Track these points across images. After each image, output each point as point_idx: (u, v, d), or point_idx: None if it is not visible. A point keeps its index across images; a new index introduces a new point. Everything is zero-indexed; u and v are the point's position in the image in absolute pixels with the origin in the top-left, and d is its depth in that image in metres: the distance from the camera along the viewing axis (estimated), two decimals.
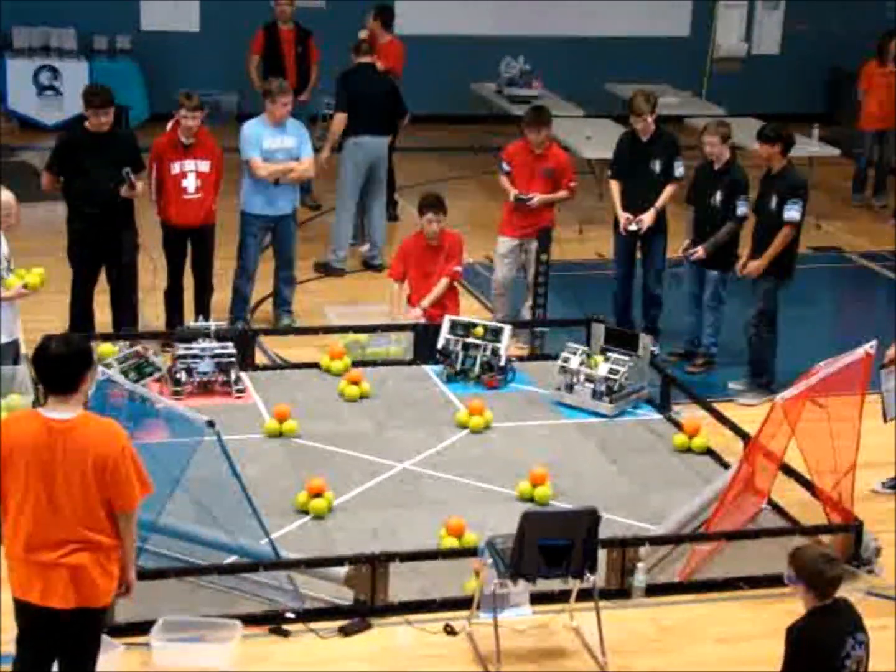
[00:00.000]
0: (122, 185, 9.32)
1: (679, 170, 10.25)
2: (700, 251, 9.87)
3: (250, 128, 10.31)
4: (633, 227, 10.25)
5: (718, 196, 9.85)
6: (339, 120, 11.66)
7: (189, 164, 9.79)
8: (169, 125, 10.00)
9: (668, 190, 10.29)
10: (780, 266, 9.42)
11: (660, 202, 10.26)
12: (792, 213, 9.28)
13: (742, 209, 9.70)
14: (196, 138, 9.77)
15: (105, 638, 6.17)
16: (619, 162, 10.56)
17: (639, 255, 10.57)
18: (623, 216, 10.30)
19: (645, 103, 10.16)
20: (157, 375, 8.84)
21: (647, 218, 10.24)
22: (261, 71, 13.29)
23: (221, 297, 10.38)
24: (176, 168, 9.77)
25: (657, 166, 10.27)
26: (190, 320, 9.82)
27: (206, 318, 9.69)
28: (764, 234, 9.45)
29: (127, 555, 5.38)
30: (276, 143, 10.19)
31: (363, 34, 13.28)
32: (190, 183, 9.79)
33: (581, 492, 7.89)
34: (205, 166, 9.82)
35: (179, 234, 9.94)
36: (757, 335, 9.55)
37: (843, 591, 5.41)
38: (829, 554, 5.44)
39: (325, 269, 11.73)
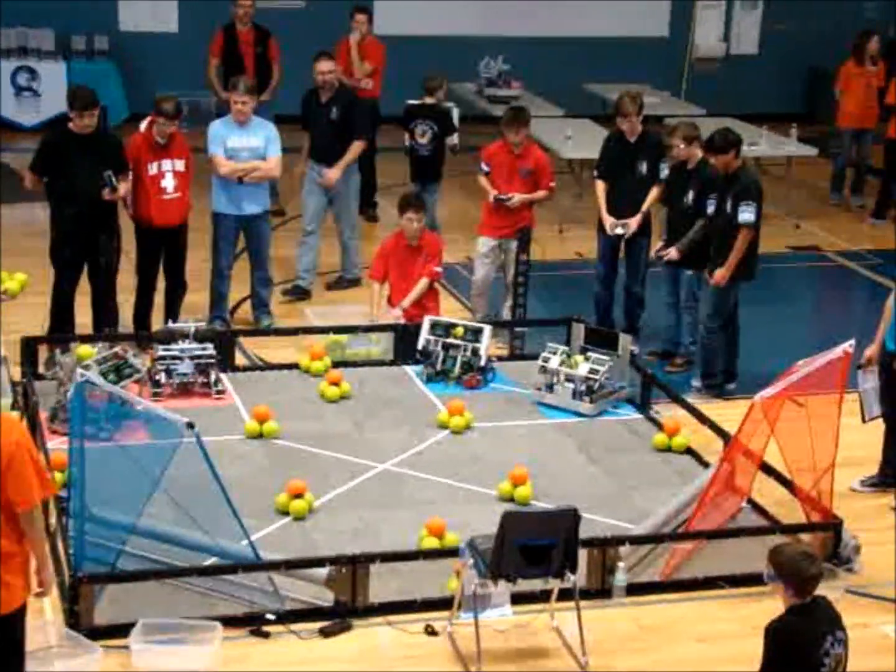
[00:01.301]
0: (105, 188, 9.31)
1: (665, 171, 10.25)
2: (673, 252, 9.88)
3: (216, 126, 10.33)
4: (619, 231, 10.26)
5: (691, 195, 9.86)
6: (362, 148, 11.31)
7: (167, 164, 9.77)
8: (142, 125, 9.98)
9: (654, 192, 10.28)
10: (735, 268, 9.38)
11: (646, 205, 10.27)
12: (746, 215, 9.22)
13: (713, 207, 9.69)
14: (170, 138, 9.76)
15: (84, 640, 6.20)
16: (605, 162, 10.56)
17: (621, 255, 10.58)
18: (608, 220, 10.30)
19: (631, 104, 10.17)
20: (136, 377, 8.81)
21: (634, 222, 10.24)
22: (221, 74, 13.25)
23: (199, 298, 10.37)
24: (153, 168, 9.74)
25: (643, 167, 10.28)
26: (165, 320, 9.82)
27: (176, 319, 9.69)
28: (721, 236, 9.43)
29: (38, 555, 5.27)
30: (240, 142, 10.17)
31: (355, 37, 13.16)
32: (169, 183, 9.78)
33: (561, 491, 7.89)
34: (181, 165, 9.82)
35: (156, 234, 9.92)
36: (707, 336, 9.55)
37: (822, 590, 5.42)
38: (807, 552, 5.45)
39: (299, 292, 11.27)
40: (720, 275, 9.33)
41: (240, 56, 13.21)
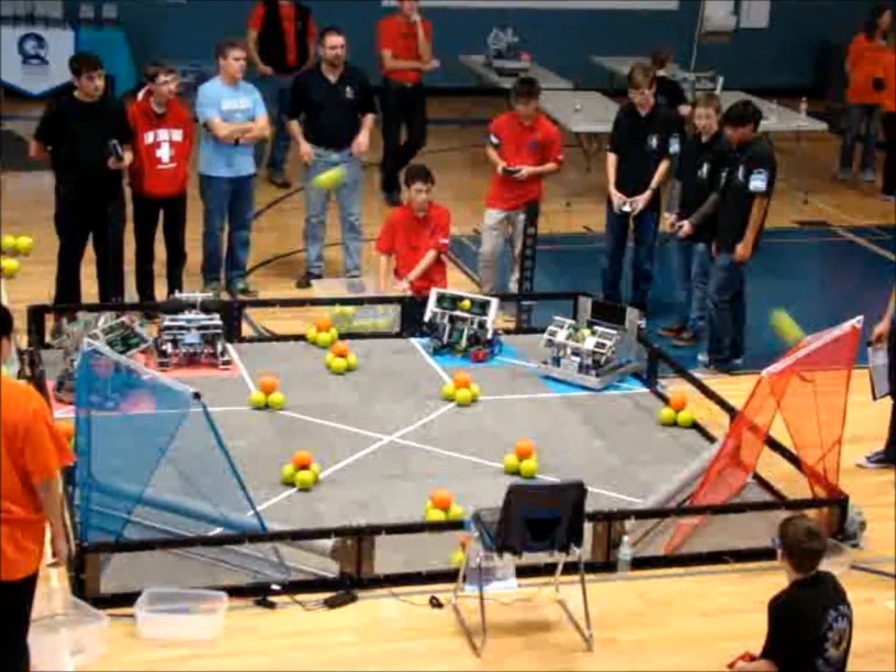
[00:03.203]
0: (110, 157, 9.29)
1: (674, 146, 10.21)
2: (686, 226, 9.84)
3: (208, 89, 10.27)
4: (626, 209, 10.23)
5: (706, 169, 9.82)
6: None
7: (163, 134, 9.74)
8: (140, 95, 9.96)
9: (663, 167, 10.23)
10: (754, 240, 9.36)
11: (654, 181, 10.22)
12: (757, 182, 9.19)
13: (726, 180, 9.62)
14: (168, 107, 9.74)
15: (90, 609, 6.22)
16: (616, 136, 10.53)
17: (630, 229, 10.54)
18: (616, 196, 10.27)
19: (643, 77, 10.12)
20: (143, 347, 8.81)
21: (642, 200, 10.21)
22: (258, 48, 13.13)
23: (192, 259, 10.37)
24: (149, 138, 9.72)
25: (654, 142, 10.23)
26: (169, 290, 9.83)
27: (180, 289, 9.69)
28: (733, 206, 9.40)
29: (53, 524, 5.29)
30: (234, 104, 10.17)
31: (417, 18, 12.87)
32: (164, 153, 9.75)
33: (567, 465, 7.89)
34: (178, 135, 9.79)
35: (152, 204, 9.90)
36: (716, 311, 9.54)
37: (827, 565, 5.43)
38: (811, 528, 5.45)
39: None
40: (741, 251, 9.29)
41: (281, 30, 13.02)
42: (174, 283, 9.99)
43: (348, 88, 10.72)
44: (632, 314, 9.37)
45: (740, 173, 9.30)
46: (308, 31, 13.28)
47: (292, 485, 7.57)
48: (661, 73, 12.52)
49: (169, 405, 6.68)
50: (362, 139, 10.71)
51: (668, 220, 10.09)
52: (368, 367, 9.26)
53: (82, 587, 6.42)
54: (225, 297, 10.21)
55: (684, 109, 12.24)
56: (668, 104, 12.05)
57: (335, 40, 10.66)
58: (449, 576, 6.65)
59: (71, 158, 9.34)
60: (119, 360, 7.26)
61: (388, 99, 12.71)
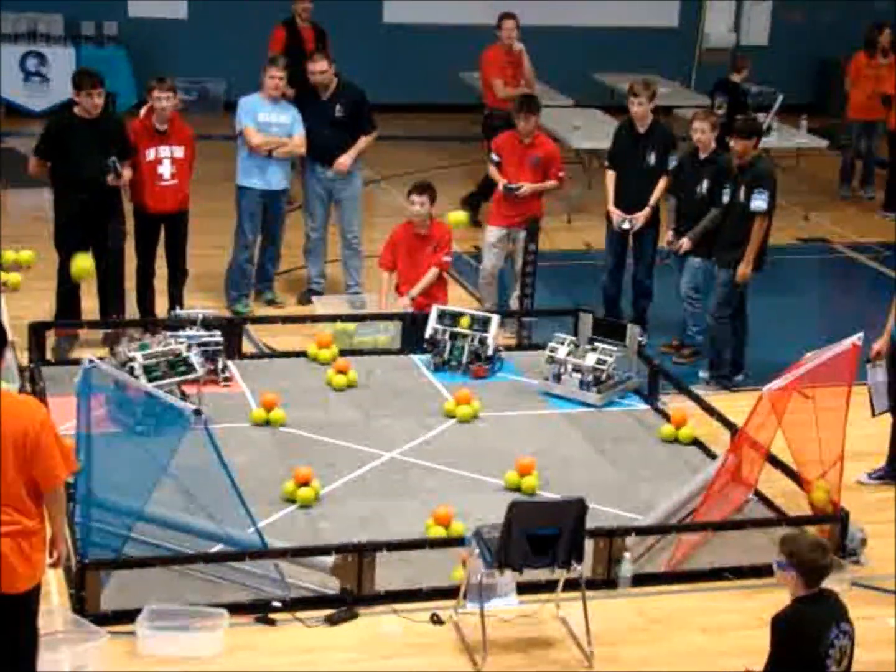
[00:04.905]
0: (109, 173, 9.30)
1: (672, 162, 10.23)
2: (686, 243, 9.86)
3: (247, 100, 10.40)
4: (626, 226, 10.24)
5: (705, 184, 9.83)
6: (370, 141, 10.86)
7: (164, 151, 9.77)
8: (142, 112, 9.99)
9: (661, 184, 10.24)
10: (742, 258, 9.37)
11: (653, 199, 10.23)
12: (758, 202, 9.22)
13: (727, 196, 9.66)
14: (170, 124, 9.76)
15: (90, 626, 6.21)
16: (615, 152, 10.56)
17: (630, 246, 10.55)
18: (615, 213, 10.29)
19: (642, 88, 10.16)
20: (190, 377, 8.49)
21: (641, 217, 10.22)
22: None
23: (215, 283, 10.34)
24: (151, 154, 9.73)
25: (652, 158, 10.25)
26: (170, 307, 9.84)
27: (181, 306, 9.71)
28: (734, 224, 9.42)
29: (58, 530, 5.31)
30: (270, 117, 10.28)
31: (518, 46, 12.99)
32: (165, 169, 9.77)
33: (568, 482, 7.89)
34: (179, 152, 9.81)
35: (153, 220, 9.92)
36: (717, 327, 9.54)
37: (828, 582, 5.42)
38: (820, 542, 5.45)
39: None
40: (742, 272, 9.31)
41: (303, 53, 13.05)
42: (175, 299, 10.00)
43: (338, 106, 10.65)
44: (632, 331, 9.38)
45: (742, 193, 9.32)
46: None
47: (293, 501, 7.56)
48: (735, 78, 13.49)
49: (170, 422, 6.67)
50: (343, 158, 10.62)
51: (665, 237, 10.11)
52: (369, 383, 9.26)
53: (82, 604, 6.41)
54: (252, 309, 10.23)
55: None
56: (730, 109, 12.59)
57: (313, 66, 10.58)
58: (450, 592, 6.64)
59: (70, 175, 9.34)
60: (119, 377, 7.25)
61: (495, 128, 12.70)
